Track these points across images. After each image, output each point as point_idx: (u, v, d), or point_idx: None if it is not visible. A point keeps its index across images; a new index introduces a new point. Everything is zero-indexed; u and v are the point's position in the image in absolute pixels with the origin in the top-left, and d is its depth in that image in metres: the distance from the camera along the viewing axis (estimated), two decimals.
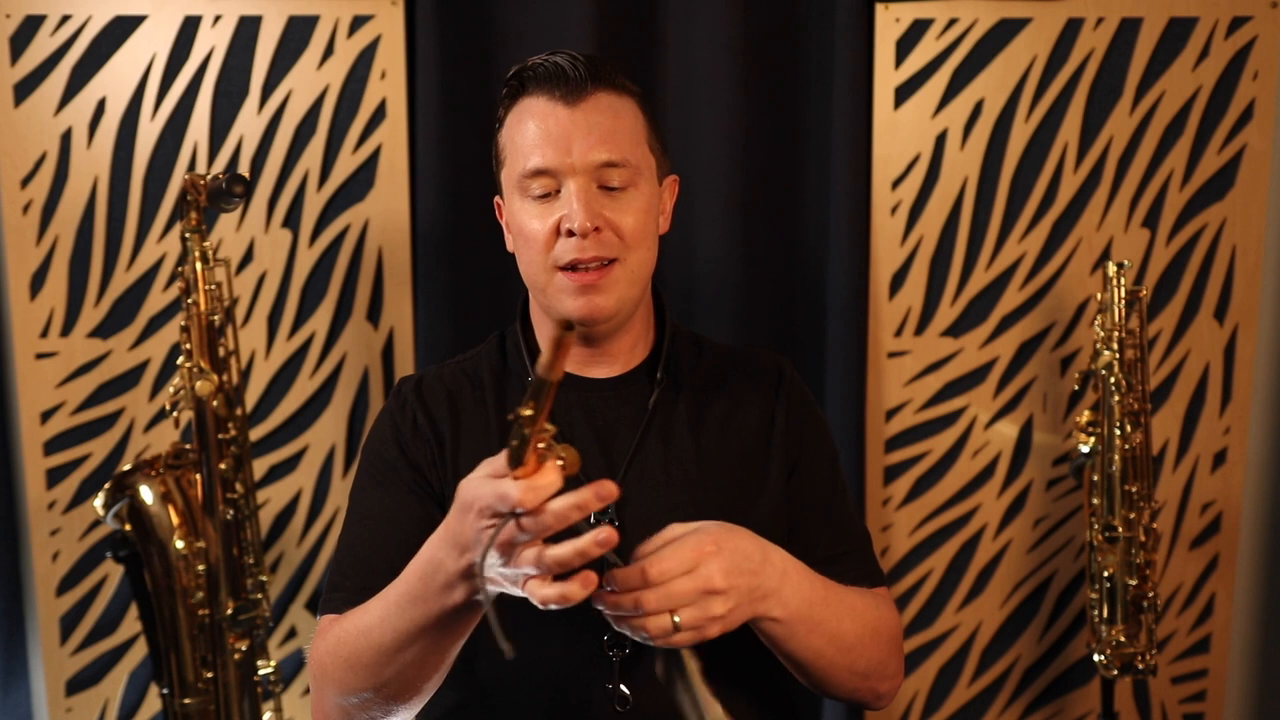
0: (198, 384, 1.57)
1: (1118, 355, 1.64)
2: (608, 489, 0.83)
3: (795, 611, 1.02)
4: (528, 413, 0.78)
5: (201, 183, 1.54)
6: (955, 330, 1.89)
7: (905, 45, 1.82)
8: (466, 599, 0.92)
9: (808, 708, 1.94)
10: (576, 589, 0.84)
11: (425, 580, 0.93)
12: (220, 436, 1.59)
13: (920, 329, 1.89)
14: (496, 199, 1.22)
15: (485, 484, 0.85)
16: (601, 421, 1.17)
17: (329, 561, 1.17)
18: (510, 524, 0.84)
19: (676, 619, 0.93)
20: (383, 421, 1.20)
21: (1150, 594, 1.68)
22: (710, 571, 0.95)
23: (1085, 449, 1.69)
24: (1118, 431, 1.65)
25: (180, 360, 1.59)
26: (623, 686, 1.10)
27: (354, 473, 1.88)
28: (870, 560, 1.21)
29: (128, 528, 1.64)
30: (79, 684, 1.91)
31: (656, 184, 1.17)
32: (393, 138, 1.83)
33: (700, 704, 0.96)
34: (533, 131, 1.11)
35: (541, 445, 0.81)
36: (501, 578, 0.88)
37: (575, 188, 1.09)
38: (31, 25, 1.78)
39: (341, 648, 1.02)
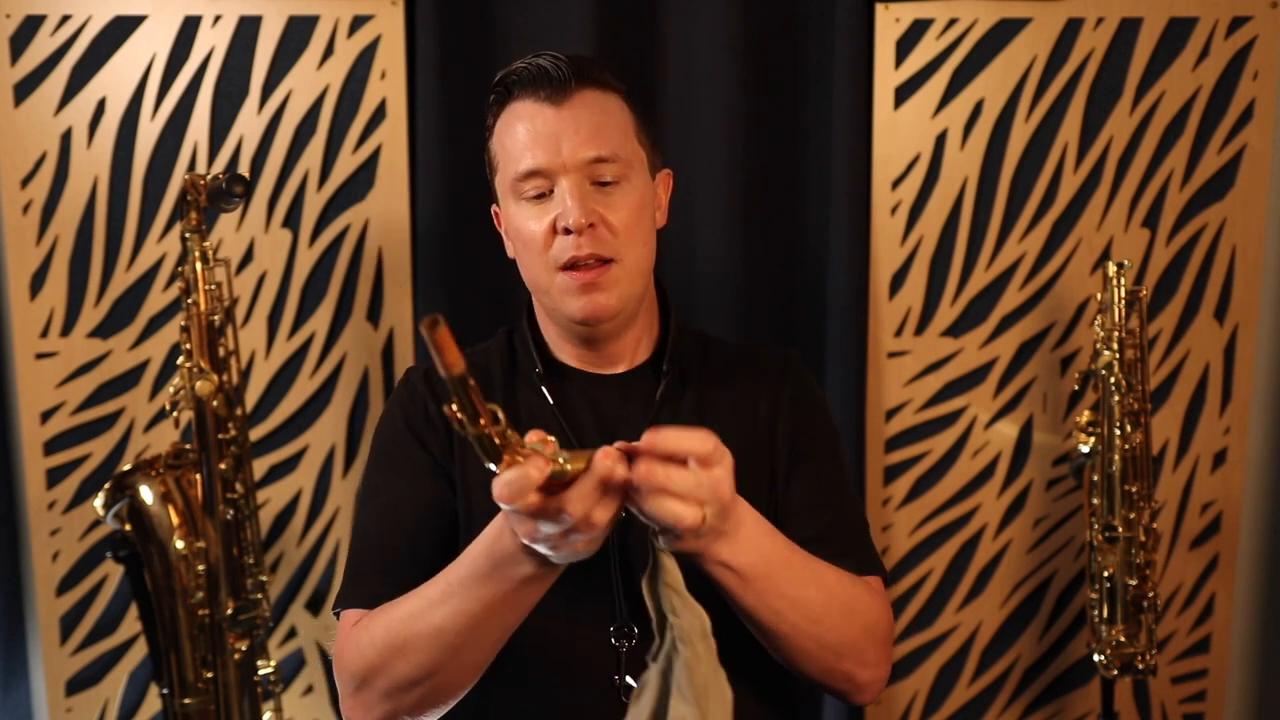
0: (198, 384, 1.57)
1: (1118, 355, 1.64)
2: (608, 453, 0.83)
3: (752, 562, 0.97)
4: (461, 416, 0.76)
5: (201, 183, 1.54)
6: (955, 330, 1.89)
7: (905, 45, 1.82)
8: (535, 570, 0.91)
9: (808, 703, 1.94)
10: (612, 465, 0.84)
11: (491, 556, 0.92)
12: (220, 436, 1.59)
13: (920, 329, 1.89)
14: (494, 208, 1.23)
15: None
16: (608, 418, 1.17)
17: (348, 551, 1.16)
18: (533, 520, 0.84)
19: (707, 511, 0.88)
20: (392, 410, 1.20)
21: (1150, 594, 1.68)
22: (725, 472, 0.89)
23: (1085, 449, 1.69)
24: (1118, 431, 1.65)
25: (180, 360, 1.59)
26: (629, 678, 1.10)
27: (355, 472, 1.89)
28: (862, 547, 1.18)
29: (128, 528, 1.64)
30: (79, 684, 1.91)
31: (649, 178, 1.18)
32: (393, 138, 1.83)
33: (686, 607, 0.90)
34: (522, 134, 1.12)
35: (499, 440, 0.79)
36: (562, 556, 0.88)
37: (568, 185, 1.10)
38: (31, 25, 1.78)
39: (393, 637, 1.00)
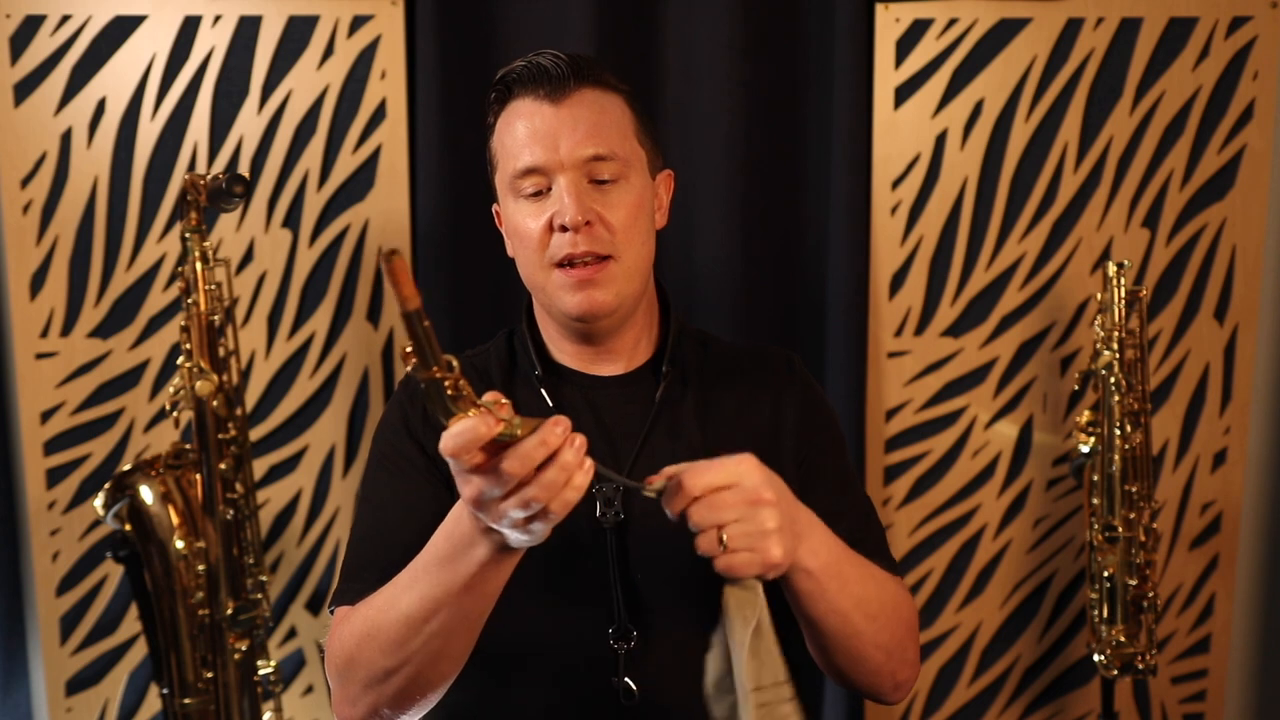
0: (198, 384, 1.57)
1: (1118, 355, 1.64)
2: (559, 420, 0.83)
3: (826, 563, 1.00)
4: (415, 358, 0.76)
5: (201, 183, 1.54)
6: (955, 330, 1.89)
7: (905, 45, 1.82)
8: (491, 554, 0.91)
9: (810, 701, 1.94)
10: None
11: (450, 539, 0.93)
12: (220, 436, 1.59)
13: (920, 329, 1.89)
14: (495, 207, 1.23)
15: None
16: (608, 419, 1.17)
17: (345, 551, 1.16)
18: (478, 479, 0.83)
19: (724, 536, 0.91)
20: (392, 412, 1.20)
21: (1150, 594, 1.68)
22: (755, 482, 0.93)
23: (1085, 449, 1.69)
24: (1118, 431, 1.65)
25: (180, 360, 1.59)
26: (628, 680, 1.10)
27: (355, 472, 1.89)
28: (884, 553, 1.19)
29: (128, 528, 1.64)
30: (79, 684, 1.91)
31: (648, 178, 1.18)
32: (393, 138, 1.83)
33: (762, 652, 0.93)
34: (521, 131, 1.12)
35: (451, 391, 0.79)
36: (508, 531, 0.88)
37: (565, 183, 1.10)
38: (31, 25, 1.78)
39: (367, 625, 1.01)
